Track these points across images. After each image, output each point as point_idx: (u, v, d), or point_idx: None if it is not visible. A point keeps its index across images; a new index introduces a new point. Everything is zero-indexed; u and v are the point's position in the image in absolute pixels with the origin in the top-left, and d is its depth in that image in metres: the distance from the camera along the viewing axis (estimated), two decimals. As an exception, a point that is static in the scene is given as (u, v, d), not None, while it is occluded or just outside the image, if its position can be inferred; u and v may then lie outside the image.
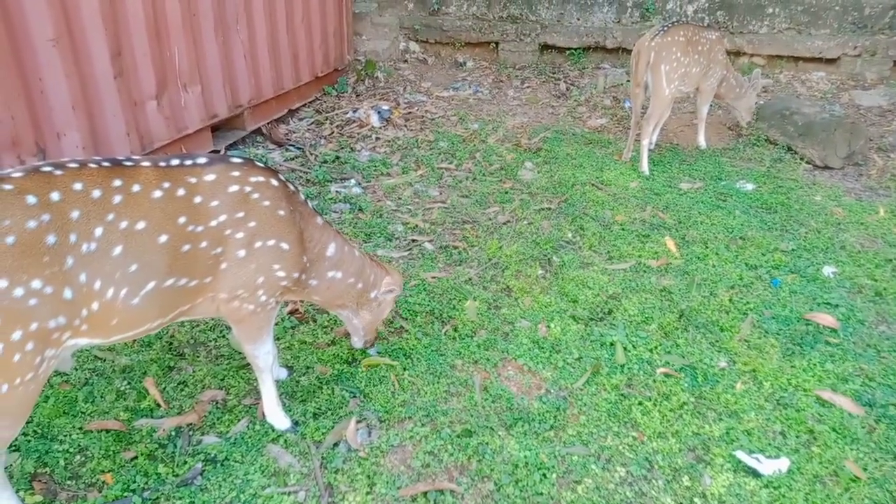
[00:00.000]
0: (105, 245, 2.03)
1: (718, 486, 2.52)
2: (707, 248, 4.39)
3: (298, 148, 6.10)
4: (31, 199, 1.91)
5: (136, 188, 2.13)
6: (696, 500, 2.47)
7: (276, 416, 2.77)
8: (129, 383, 3.00)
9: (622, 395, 3.00)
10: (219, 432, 2.75)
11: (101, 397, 2.90)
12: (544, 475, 2.55)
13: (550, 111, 7.51)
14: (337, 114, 7.04)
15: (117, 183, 2.10)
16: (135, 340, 3.22)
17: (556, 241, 4.43)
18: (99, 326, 2.11)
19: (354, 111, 7.06)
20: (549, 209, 4.94)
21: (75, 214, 1.98)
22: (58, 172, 2.02)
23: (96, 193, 2.04)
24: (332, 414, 2.86)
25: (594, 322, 3.56)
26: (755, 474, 2.57)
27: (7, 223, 1.85)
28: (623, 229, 4.63)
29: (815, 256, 4.30)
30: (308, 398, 2.95)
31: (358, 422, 2.79)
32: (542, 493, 2.47)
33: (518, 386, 3.08)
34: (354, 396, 2.97)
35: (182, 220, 2.20)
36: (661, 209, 4.98)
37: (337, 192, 5.19)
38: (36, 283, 1.87)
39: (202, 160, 2.35)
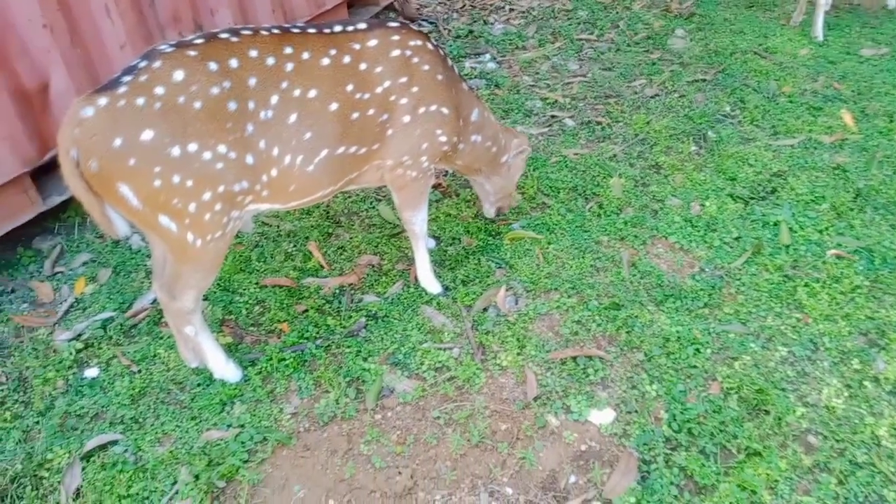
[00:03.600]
0: (281, 113, 2.12)
1: (894, 371, 2.36)
2: (892, 121, 3.86)
3: (431, 23, 5.93)
4: (213, 66, 2.00)
5: (305, 56, 2.18)
6: (866, 383, 2.34)
7: (429, 280, 2.90)
8: (294, 246, 3.25)
9: (786, 276, 2.82)
10: (377, 293, 2.94)
11: (272, 257, 3.17)
12: (698, 350, 2.51)
13: (705, -29, 6.68)
14: (468, -15, 6.69)
15: (288, 50, 2.15)
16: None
17: (711, 116, 4.08)
18: (278, 192, 2.26)
19: (487, -19, 6.67)
20: (704, 80, 4.52)
21: (252, 82, 2.06)
22: (234, 39, 2.09)
23: (270, 61, 2.10)
24: (479, 282, 2.95)
25: (755, 201, 3.31)
26: (939, 362, 2.38)
27: (194, 88, 1.96)
28: (791, 101, 4.16)
29: None
30: (456, 266, 3.05)
31: (506, 289, 2.86)
32: (695, 367, 2.44)
33: (669, 263, 2.99)
34: (500, 267, 3.04)
35: (350, 87, 2.24)
36: (836, 79, 4.39)
37: (472, 67, 5.05)
38: (222, 148, 2.01)
39: (362, 25, 2.35)
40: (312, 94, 2.18)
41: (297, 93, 2.15)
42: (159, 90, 1.93)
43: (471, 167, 2.96)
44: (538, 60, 5.10)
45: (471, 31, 5.67)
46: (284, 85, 2.13)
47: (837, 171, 3.47)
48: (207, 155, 1.99)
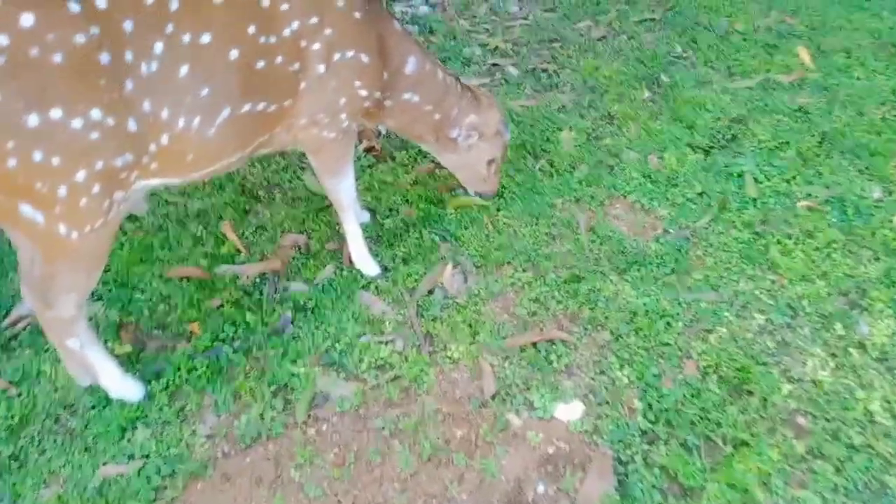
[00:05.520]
0: (168, 64, 1.70)
1: (879, 334, 2.16)
2: (850, 57, 3.65)
3: (354, -36, 5.37)
4: (75, 7, 1.55)
5: None
6: (851, 350, 2.14)
7: (364, 260, 2.53)
8: (205, 228, 2.79)
9: (756, 233, 2.58)
10: (305, 279, 2.55)
11: (178, 243, 2.72)
12: (668, 323, 2.25)
13: None
14: (394, -79, 6.11)
15: None
16: (206, 183, 2.98)
17: (663, 58, 3.78)
18: (171, 163, 1.85)
19: (413, -83, 6.10)
20: (653, 20, 4.20)
21: (128, 26, 1.62)
22: None
23: (149, 0, 1.66)
24: (422, 259, 2.60)
25: (716, 150, 3.05)
26: (926, 322, 2.19)
27: (51, 37, 1.51)
28: (744, 39, 3.90)
29: None
30: (395, 242, 2.69)
31: (453, 267, 2.52)
32: (668, 344, 2.18)
33: (629, 226, 2.70)
34: (445, 240, 2.69)
35: (252, 29, 1.83)
36: (788, 13, 4.15)
37: (402, 12, 4.58)
38: (95, 113, 1.58)
39: None
40: (206, 39, 1.75)
41: (186, 38, 1.72)
42: (2, 40, 1.46)
43: (407, 131, 2.56)
44: (475, 2, 4.66)
45: (399, -28, 5.15)
46: (169, 29, 1.69)
47: (799, 113, 3.24)
48: (77, 123, 1.56)
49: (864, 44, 3.76)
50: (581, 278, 2.44)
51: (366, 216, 2.81)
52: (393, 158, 3.17)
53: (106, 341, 2.27)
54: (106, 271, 2.57)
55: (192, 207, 2.91)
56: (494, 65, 3.92)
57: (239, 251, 2.68)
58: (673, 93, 3.46)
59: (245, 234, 2.76)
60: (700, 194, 2.80)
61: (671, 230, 2.65)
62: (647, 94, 3.49)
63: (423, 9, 4.60)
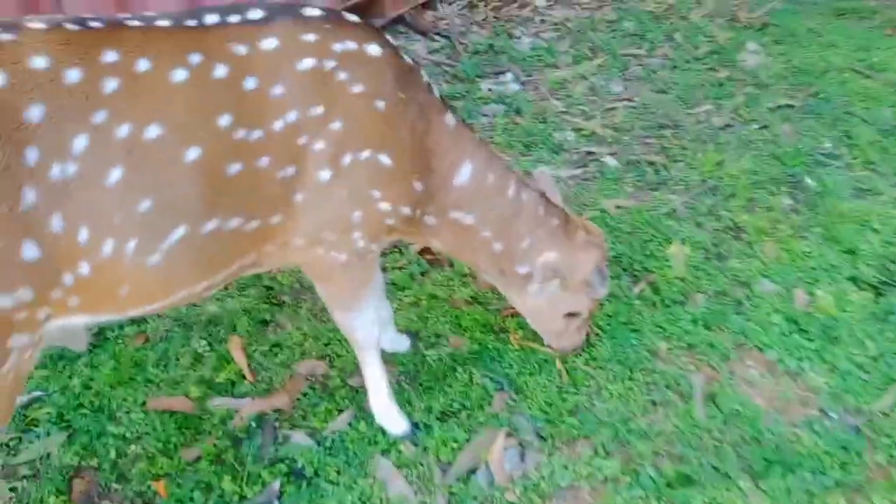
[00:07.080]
0: (92, 167, 1.24)
1: None
2: None
3: (445, 37, 5.03)
4: None
5: (143, 66, 1.28)
6: None
7: (388, 413, 1.91)
8: (210, 343, 2.28)
9: (972, 433, 1.73)
10: (311, 428, 1.96)
11: (176, 360, 2.22)
12: (836, 585, 1.43)
13: (778, -25, 5.64)
14: (493, -7, 5.78)
15: (111, 57, 1.27)
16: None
17: (808, 155, 3.06)
18: (100, 298, 1.36)
19: (515, -11, 5.75)
20: (791, 107, 3.49)
21: (36, 113, 1.19)
22: (6, 37, 1.21)
23: (74, 76, 1.22)
24: (467, 416, 1.95)
25: (891, 288, 2.22)
26: None
27: None
28: (918, 136, 3.08)
29: None
30: (435, 386, 2.06)
31: (507, 436, 1.83)
32: None
33: (768, 398, 1.93)
34: (501, 389, 2.04)
35: (225, 120, 1.34)
36: (977, 105, 3.28)
37: (489, 90, 4.12)
38: None
39: (256, 14, 1.42)
40: (153, 133, 1.28)
41: (123, 131, 1.25)
42: None
43: (459, 258, 1.96)
44: (572, 80, 4.13)
45: (492, 46, 4.74)
46: (100, 118, 1.24)
47: None
48: None
49: None
50: (693, 480, 1.68)
51: (405, 343, 2.20)
52: (451, 265, 2.57)
53: (49, 496, 1.76)
54: (87, 388, 2.12)
55: (207, 310, 2.42)
56: (589, 153, 3.33)
57: (244, 377, 2.13)
58: (824, 203, 2.70)
59: (255, 355, 2.22)
60: (874, 359, 1.99)
61: (833, 413, 1.85)
62: (787, 201, 2.77)
63: (513, 86, 4.11)
